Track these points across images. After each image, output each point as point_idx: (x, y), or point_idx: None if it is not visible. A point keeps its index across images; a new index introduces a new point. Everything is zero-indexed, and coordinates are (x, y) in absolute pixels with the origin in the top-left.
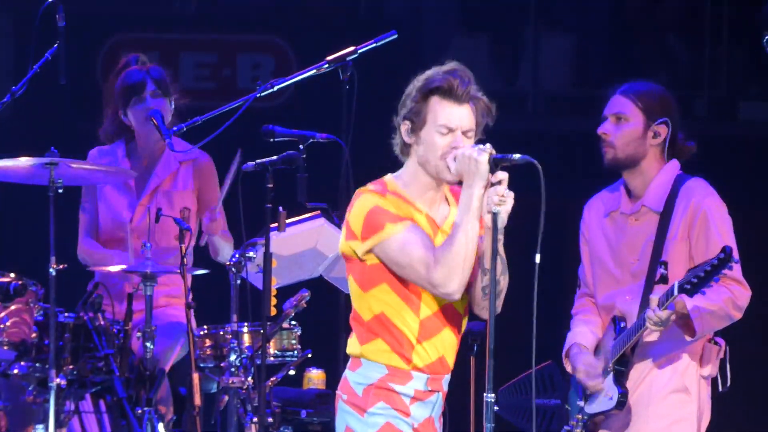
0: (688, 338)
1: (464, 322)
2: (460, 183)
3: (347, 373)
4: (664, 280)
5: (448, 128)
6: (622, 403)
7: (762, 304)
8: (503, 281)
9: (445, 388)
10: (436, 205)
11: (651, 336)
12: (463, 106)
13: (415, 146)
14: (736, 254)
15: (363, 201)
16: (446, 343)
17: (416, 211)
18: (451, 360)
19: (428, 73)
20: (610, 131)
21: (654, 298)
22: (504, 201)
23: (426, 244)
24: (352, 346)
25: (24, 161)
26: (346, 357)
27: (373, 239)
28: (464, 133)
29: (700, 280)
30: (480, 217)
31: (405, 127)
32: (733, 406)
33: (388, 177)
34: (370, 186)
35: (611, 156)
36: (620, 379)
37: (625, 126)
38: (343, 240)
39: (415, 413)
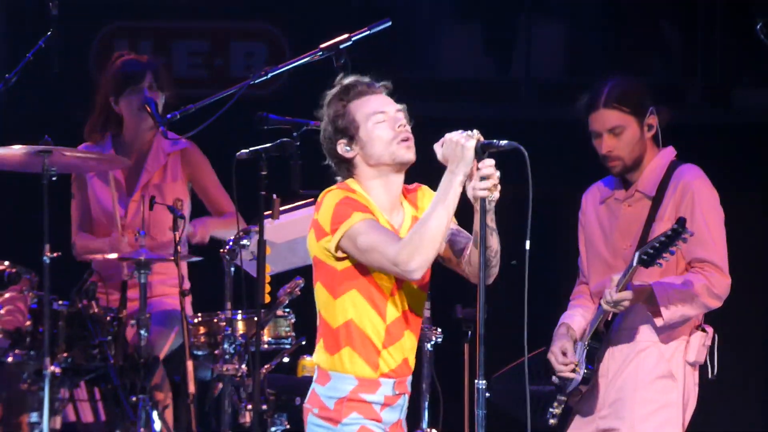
0: (658, 324)
1: (421, 322)
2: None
3: (316, 387)
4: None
5: (381, 112)
6: (587, 380)
7: (752, 291)
8: (498, 249)
9: (409, 389)
10: (396, 212)
11: (638, 321)
12: (379, 95)
13: (361, 154)
14: (714, 240)
15: (331, 196)
16: (408, 347)
17: (379, 214)
18: (412, 361)
19: (330, 92)
20: (612, 147)
21: (615, 278)
22: (493, 190)
23: (389, 231)
24: (320, 356)
25: (17, 149)
26: None
27: (341, 228)
28: (397, 112)
29: (655, 250)
30: (456, 203)
31: (341, 145)
32: (718, 393)
33: (350, 181)
34: (337, 185)
35: (620, 167)
36: (591, 355)
37: (624, 136)
38: (313, 242)
39: (386, 418)
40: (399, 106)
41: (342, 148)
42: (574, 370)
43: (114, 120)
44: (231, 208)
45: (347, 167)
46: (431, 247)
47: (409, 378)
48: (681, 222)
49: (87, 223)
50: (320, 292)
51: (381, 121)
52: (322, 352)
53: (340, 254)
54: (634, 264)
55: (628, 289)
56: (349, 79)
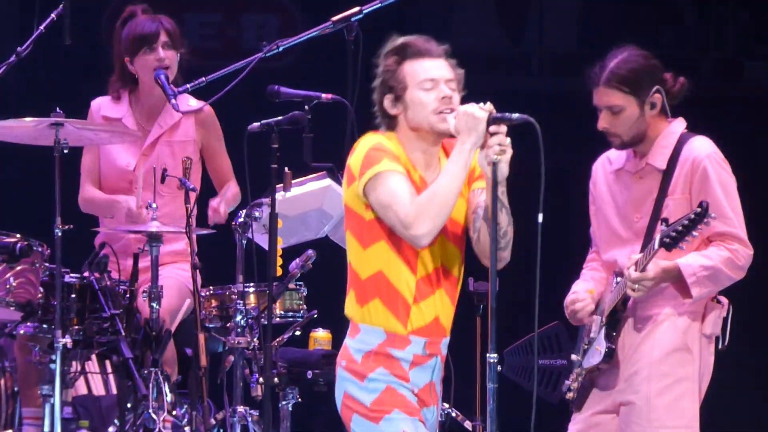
0: (686, 301)
1: (459, 287)
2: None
3: (347, 340)
4: None
5: (431, 80)
6: (608, 356)
7: (766, 263)
8: (510, 231)
9: (444, 352)
10: (431, 168)
11: (653, 294)
12: (436, 59)
13: (403, 114)
14: (732, 212)
15: (366, 140)
16: (442, 305)
17: (412, 168)
18: (447, 323)
19: (389, 43)
20: (609, 124)
21: (634, 257)
22: (504, 150)
23: (412, 192)
24: (350, 307)
25: (29, 122)
26: None
27: (368, 172)
28: (447, 82)
29: (678, 233)
30: (471, 173)
31: (388, 100)
32: (734, 364)
33: (388, 135)
34: (374, 131)
35: (619, 143)
36: (610, 332)
37: (622, 115)
38: (345, 188)
39: (414, 379)
40: (450, 75)
41: (388, 103)
42: (590, 347)
43: (130, 78)
44: (232, 177)
45: (389, 121)
46: (440, 213)
47: (444, 341)
48: (704, 206)
49: (95, 178)
50: (350, 241)
51: (428, 88)
52: (353, 304)
53: (367, 201)
54: (656, 246)
55: (649, 270)
56: (409, 37)
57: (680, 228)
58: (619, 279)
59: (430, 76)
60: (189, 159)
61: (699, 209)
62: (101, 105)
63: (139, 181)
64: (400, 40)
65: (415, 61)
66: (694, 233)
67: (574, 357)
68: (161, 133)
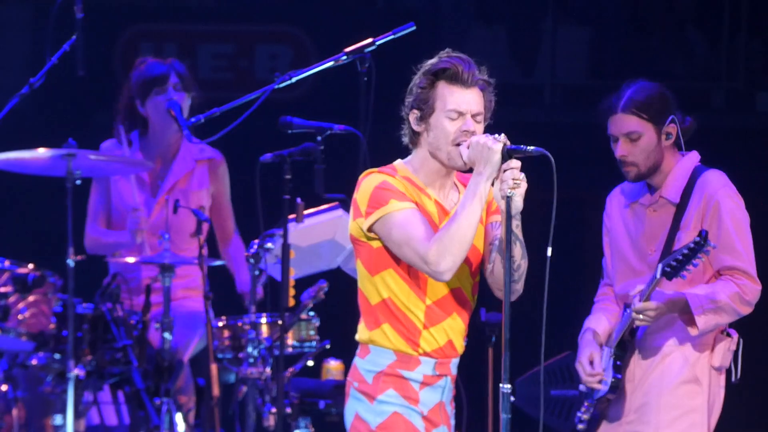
0: (692, 333)
1: (472, 306)
2: (470, 171)
3: (357, 361)
4: None
5: (458, 112)
6: (615, 388)
7: None
8: (524, 264)
9: (454, 371)
10: (446, 191)
11: (662, 326)
12: (470, 89)
13: (425, 134)
14: (743, 247)
15: (371, 179)
16: (454, 329)
17: (425, 196)
18: (459, 344)
19: (432, 60)
20: (627, 152)
21: (639, 287)
22: (518, 184)
23: (426, 227)
24: (361, 332)
25: (42, 152)
26: None
27: (376, 213)
28: (473, 116)
29: (678, 263)
30: (486, 205)
31: (413, 115)
32: (746, 398)
33: (398, 162)
34: (378, 168)
35: (635, 173)
36: (618, 364)
37: (640, 142)
38: (351, 221)
39: (424, 399)
40: (479, 109)
41: (413, 119)
42: (600, 380)
43: (140, 120)
44: (233, 228)
45: (411, 136)
46: (460, 248)
47: (455, 360)
48: (703, 235)
49: (103, 218)
50: (360, 269)
51: (454, 118)
52: (363, 328)
53: (372, 235)
54: (658, 276)
55: (653, 300)
56: (451, 61)
57: (680, 257)
58: (628, 310)
59: (457, 108)
60: (203, 208)
61: (698, 238)
62: (112, 148)
63: (143, 225)
64: (441, 64)
65: (447, 86)
66: (695, 262)
67: (582, 388)
68: (176, 181)
